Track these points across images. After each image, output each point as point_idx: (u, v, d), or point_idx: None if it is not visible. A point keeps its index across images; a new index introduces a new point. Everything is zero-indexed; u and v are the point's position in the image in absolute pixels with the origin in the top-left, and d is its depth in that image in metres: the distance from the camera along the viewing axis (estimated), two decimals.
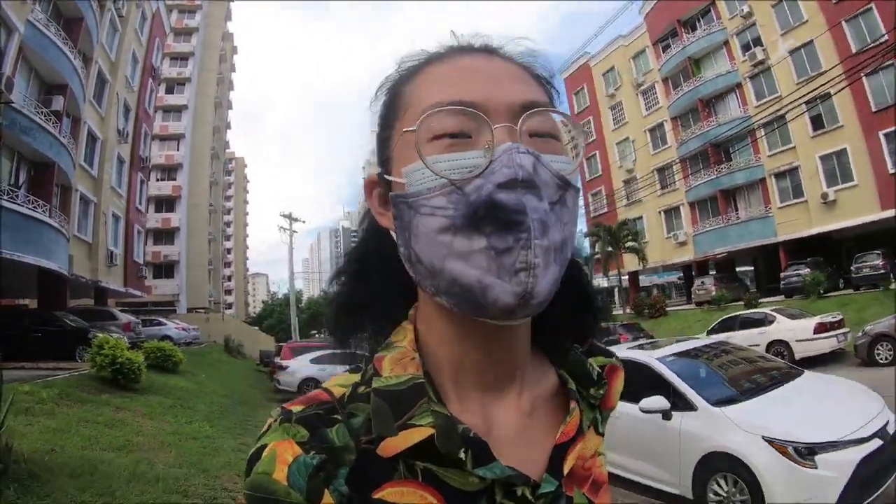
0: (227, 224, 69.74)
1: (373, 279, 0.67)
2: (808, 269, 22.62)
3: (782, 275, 24.51)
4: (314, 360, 16.42)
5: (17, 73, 14.67)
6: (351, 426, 0.54)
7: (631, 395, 5.13)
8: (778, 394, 5.20)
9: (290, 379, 16.03)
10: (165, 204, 40.52)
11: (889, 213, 21.89)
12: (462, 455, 0.52)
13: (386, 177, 0.59)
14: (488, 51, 0.60)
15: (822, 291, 21.67)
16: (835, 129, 24.60)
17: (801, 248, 25.81)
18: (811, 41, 25.11)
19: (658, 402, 5.07)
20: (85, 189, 20.49)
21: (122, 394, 8.94)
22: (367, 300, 0.67)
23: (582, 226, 36.10)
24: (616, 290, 34.07)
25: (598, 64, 38.73)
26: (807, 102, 21.73)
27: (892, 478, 4.56)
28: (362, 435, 0.54)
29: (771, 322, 14.73)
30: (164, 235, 39.75)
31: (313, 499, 0.50)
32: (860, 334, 12.99)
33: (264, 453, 0.51)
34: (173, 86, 42.76)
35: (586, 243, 32.82)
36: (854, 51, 21.78)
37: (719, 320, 16.95)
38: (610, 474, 0.74)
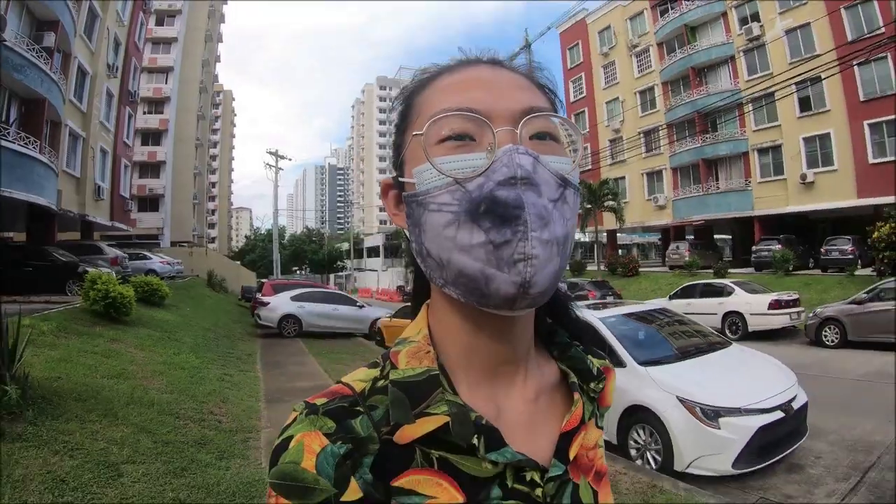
0: (213, 157, 68.88)
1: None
2: (779, 246, 23.26)
3: (754, 248, 25.21)
4: (294, 298, 16.78)
5: (9, 10, 14.57)
6: (372, 418, 0.57)
7: None
8: (701, 360, 5.82)
9: (271, 315, 16.36)
10: (152, 137, 40.21)
11: (864, 202, 22.49)
12: (475, 441, 0.56)
13: (399, 179, 0.65)
14: (494, 63, 0.65)
15: (790, 268, 22.28)
16: (821, 113, 25.01)
17: (778, 224, 26.50)
18: (808, 24, 25.25)
19: None
20: (74, 124, 20.44)
21: (114, 326, 9.52)
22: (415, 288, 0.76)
23: None
24: (594, 245, 34.70)
25: (594, 21, 38.43)
26: (797, 83, 21.98)
27: (793, 447, 5.21)
28: (383, 426, 0.57)
29: (730, 293, 15.23)
30: (150, 169, 39.59)
31: (341, 486, 0.52)
32: (811, 315, 13.56)
33: (291, 444, 0.54)
34: (163, 17, 41.79)
35: None
36: (850, 39, 21.88)
37: (681, 286, 17.39)
38: None
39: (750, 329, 14.30)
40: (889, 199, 20.02)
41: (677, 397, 5.05)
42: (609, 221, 33.65)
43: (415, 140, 0.60)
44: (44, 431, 4.15)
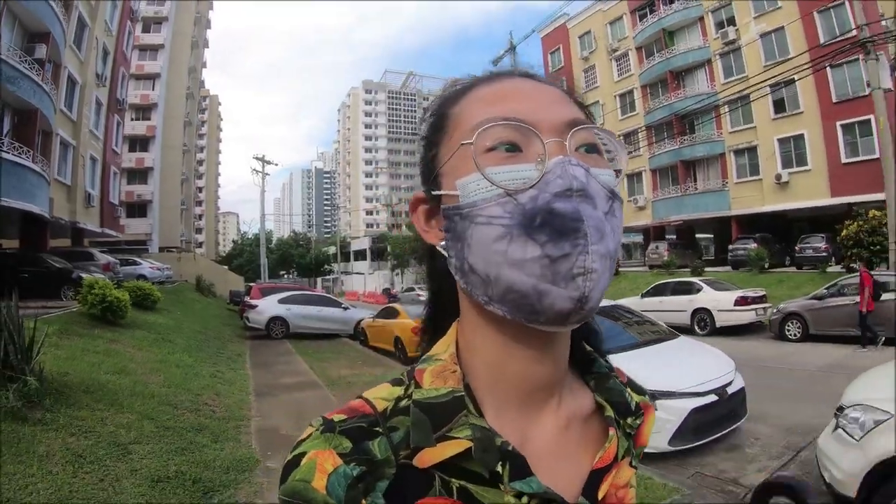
0: (200, 162, 68.94)
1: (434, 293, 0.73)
2: (755, 245, 23.68)
3: (731, 247, 25.66)
4: (282, 301, 17.26)
5: (2, 24, 14.98)
6: (392, 440, 0.54)
7: None
8: (646, 350, 6.38)
9: (259, 317, 16.82)
10: (140, 144, 40.40)
11: (837, 201, 23.09)
12: (499, 468, 0.53)
13: (433, 192, 0.62)
14: (529, 76, 0.64)
15: (765, 266, 22.75)
16: (795, 115, 25.70)
17: (755, 223, 27.04)
18: (782, 27, 25.97)
19: None
20: (65, 133, 20.81)
21: (111, 329, 10.08)
22: (434, 308, 0.74)
23: None
24: None
25: (575, 26, 39.07)
26: (771, 86, 22.56)
27: (729, 428, 5.75)
28: (402, 449, 0.54)
29: (698, 291, 15.73)
30: (138, 175, 39.76)
31: None
32: (775, 311, 14.10)
33: (303, 461, 0.52)
34: (150, 25, 42.03)
35: None
36: (822, 42, 22.31)
37: (654, 285, 17.72)
38: None
39: (718, 325, 14.78)
40: (861, 198, 20.67)
41: None
42: None
43: (460, 150, 0.58)
44: (60, 417, 4.74)
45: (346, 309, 18.07)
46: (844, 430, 3.85)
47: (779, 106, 26.33)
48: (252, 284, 25.10)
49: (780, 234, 25.89)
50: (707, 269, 25.63)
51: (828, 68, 22.36)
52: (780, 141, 26.38)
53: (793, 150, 25.99)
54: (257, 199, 39.64)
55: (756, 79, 23.24)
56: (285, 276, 72.10)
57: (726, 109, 28.13)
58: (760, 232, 25.55)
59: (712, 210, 29.37)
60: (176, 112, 44.71)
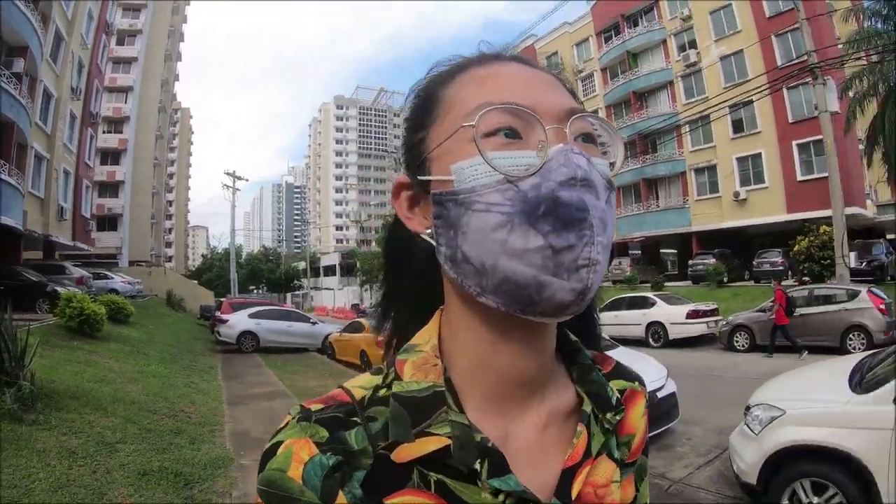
0: (170, 176, 68.62)
1: (403, 283, 0.70)
2: (713, 260, 24.45)
3: (690, 262, 26.53)
4: (252, 315, 17.59)
5: None
6: (369, 430, 0.53)
7: None
8: None
9: (230, 331, 17.10)
10: (111, 157, 40.06)
11: (793, 217, 24.05)
12: (477, 466, 0.51)
13: (421, 177, 0.59)
14: (521, 60, 0.61)
15: (723, 280, 23.42)
16: (753, 134, 26.85)
17: (716, 239, 27.80)
18: (741, 50, 27.15)
19: None
20: (39, 146, 20.97)
21: (88, 341, 10.51)
22: (396, 298, 0.71)
23: None
24: None
25: (543, 47, 39.57)
26: (730, 106, 23.23)
27: (660, 429, 6.31)
28: (380, 440, 0.53)
29: (652, 305, 16.32)
30: (109, 189, 39.44)
31: (327, 499, 0.49)
32: (724, 323, 14.79)
33: (280, 450, 0.51)
34: (124, 37, 41.84)
35: None
36: (779, 64, 23.07)
37: (611, 300, 17.86)
38: None
39: (671, 337, 15.44)
40: (816, 214, 21.53)
41: None
42: None
43: (456, 133, 0.54)
44: (52, 418, 5.24)
45: (314, 324, 18.54)
46: (748, 426, 4.47)
47: (737, 126, 27.39)
48: (223, 299, 25.38)
49: (740, 249, 26.56)
50: (669, 283, 26.20)
51: (784, 90, 23.24)
52: (739, 160, 27.42)
53: (751, 169, 27.06)
54: (227, 212, 39.91)
55: (716, 100, 23.69)
56: (255, 291, 71.84)
57: (687, 129, 28.94)
58: (720, 247, 26.29)
59: (674, 226, 30.29)
60: (148, 125, 44.51)
